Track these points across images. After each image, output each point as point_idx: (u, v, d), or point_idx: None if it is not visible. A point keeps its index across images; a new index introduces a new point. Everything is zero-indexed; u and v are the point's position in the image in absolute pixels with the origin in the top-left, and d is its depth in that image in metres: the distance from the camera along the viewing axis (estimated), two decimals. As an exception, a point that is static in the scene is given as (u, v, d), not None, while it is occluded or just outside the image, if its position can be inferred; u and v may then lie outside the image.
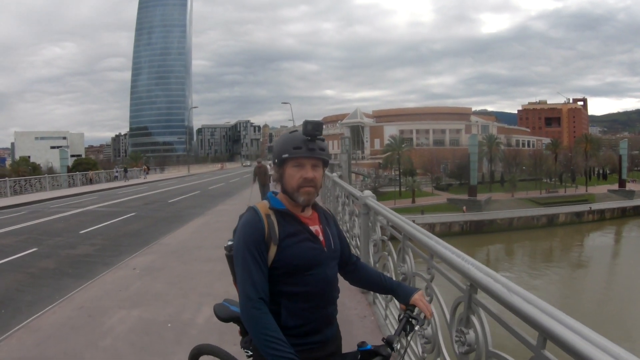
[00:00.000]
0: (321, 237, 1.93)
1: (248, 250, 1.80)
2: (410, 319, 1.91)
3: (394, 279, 3.80)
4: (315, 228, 1.94)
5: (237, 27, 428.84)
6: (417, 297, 1.98)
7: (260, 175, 17.04)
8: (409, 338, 2.00)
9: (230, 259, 2.02)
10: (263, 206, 1.92)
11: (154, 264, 8.38)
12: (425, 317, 2.00)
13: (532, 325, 1.56)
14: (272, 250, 1.82)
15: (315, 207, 2.02)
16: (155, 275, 7.52)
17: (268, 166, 17.12)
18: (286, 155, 1.86)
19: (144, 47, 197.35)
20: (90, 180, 40.89)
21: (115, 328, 5.09)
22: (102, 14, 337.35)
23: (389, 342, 1.79)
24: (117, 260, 9.02)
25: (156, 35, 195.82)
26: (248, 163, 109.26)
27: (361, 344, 1.83)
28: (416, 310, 1.95)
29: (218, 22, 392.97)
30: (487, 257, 40.15)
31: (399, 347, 1.97)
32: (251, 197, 17.04)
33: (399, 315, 1.98)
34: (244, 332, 2.08)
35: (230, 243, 2.03)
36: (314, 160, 1.88)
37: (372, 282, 2.18)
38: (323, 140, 1.90)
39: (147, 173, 54.36)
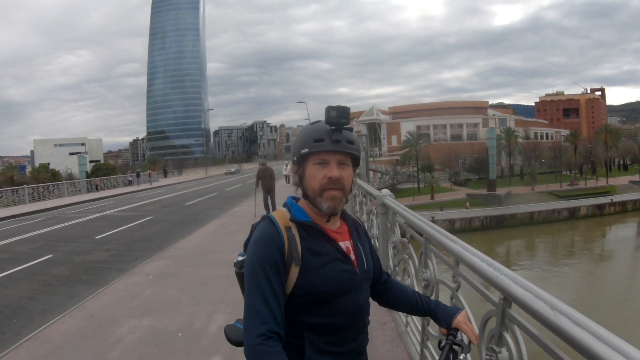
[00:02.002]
0: (353, 256, 1.60)
1: (263, 271, 1.44)
2: (453, 346, 1.60)
3: (415, 285, 3.55)
4: (345, 244, 1.60)
5: (249, 28, 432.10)
6: (461, 320, 1.66)
7: (265, 180, 14.50)
8: None
9: (240, 277, 1.63)
10: (282, 216, 1.57)
11: (168, 270, 8.25)
12: (470, 342, 1.66)
13: (581, 353, 1.28)
14: (294, 272, 1.48)
15: (344, 216, 1.69)
16: (168, 282, 7.39)
17: (285, 166, 16.69)
18: (306, 150, 1.54)
19: (159, 52, 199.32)
20: (96, 187, 40.21)
21: (125, 338, 4.94)
22: (115, 21, 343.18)
23: None
24: (131, 265, 8.94)
25: (170, 39, 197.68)
26: (232, 169, 75.89)
27: None
28: (459, 333, 1.64)
29: (230, 24, 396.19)
30: (508, 252, 39.61)
31: None
32: (256, 208, 14.83)
33: (440, 343, 1.64)
34: None
35: (241, 258, 1.68)
36: (341, 156, 1.53)
37: (406, 304, 1.81)
38: (351, 130, 1.58)
39: (152, 178, 51.74)
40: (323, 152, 1.52)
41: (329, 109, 1.51)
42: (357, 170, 1.65)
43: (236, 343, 1.65)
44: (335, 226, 1.62)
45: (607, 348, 1.19)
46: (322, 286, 1.48)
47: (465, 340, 1.65)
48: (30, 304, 7.17)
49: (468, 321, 1.67)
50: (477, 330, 1.86)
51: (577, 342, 1.27)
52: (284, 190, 25.93)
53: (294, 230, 1.52)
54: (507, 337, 1.81)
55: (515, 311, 1.79)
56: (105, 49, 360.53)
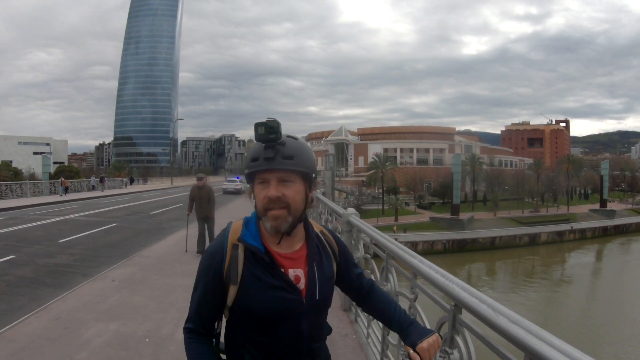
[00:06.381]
0: (302, 285, 1.56)
1: (201, 282, 1.59)
2: None
3: None
4: (296, 272, 1.56)
5: (223, 41, 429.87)
6: (425, 346, 1.56)
7: (202, 203, 10.85)
8: None
9: None
10: (236, 231, 1.59)
11: (134, 277, 8.28)
12: None
13: (518, 346, 1.54)
14: (232, 291, 1.52)
15: (309, 237, 1.62)
16: (135, 288, 7.44)
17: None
18: (246, 171, 1.53)
19: (132, 57, 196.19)
20: (66, 188, 38.33)
21: (92, 341, 5.02)
22: (90, 22, 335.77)
23: None
24: (96, 271, 8.89)
25: (144, 45, 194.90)
26: (233, 185, 43.58)
27: None
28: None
29: (204, 35, 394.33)
30: (469, 275, 40.31)
31: None
32: (187, 241, 11.15)
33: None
34: None
35: None
36: (281, 173, 1.48)
37: (382, 316, 1.78)
38: (293, 144, 1.52)
39: (104, 183, 48.95)
40: (261, 172, 1.49)
41: (257, 126, 1.47)
42: (319, 185, 1.67)
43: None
44: (289, 249, 1.59)
45: (537, 340, 1.46)
46: (260, 310, 1.50)
47: None
48: (-7, 303, 7.12)
49: (434, 349, 1.58)
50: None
51: (514, 338, 1.55)
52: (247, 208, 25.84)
53: (240, 250, 1.54)
54: (458, 339, 2.09)
55: (465, 317, 2.06)
56: (77, 49, 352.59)
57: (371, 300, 1.80)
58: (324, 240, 1.69)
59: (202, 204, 10.82)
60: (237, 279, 1.51)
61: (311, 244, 1.61)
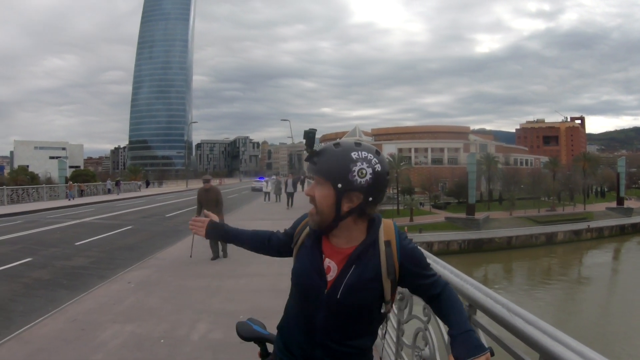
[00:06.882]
0: (331, 277, 1.60)
1: (292, 224, 1.90)
2: None
3: None
4: (330, 263, 1.62)
5: (235, 43, 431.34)
6: None
7: (209, 207, 9.82)
8: None
9: None
10: None
11: (149, 278, 8.31)
12: None
13: (533, 347, 1.51)
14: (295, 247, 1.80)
15: (365, 238, 1.62)
16: (150, 290, 7.45)
17: (266, 182, 14.17)
18: None
19: (146, 61, 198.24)
20: (82, 191, 39.86)
21: (108, 343, 5.02)
22: (104, 28, 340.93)
23: None
24: (112, 273, 8.94)
25: (158, 49, 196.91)
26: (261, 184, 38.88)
27: None
28: None
29: (216, 39, 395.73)
30: (486, 276, 39.96)
31: None
32: (193, 246, 9.77)
33: None
34: (264, 355, 1.92)
35: None
36: (314, 176, 1.59)
37: (444, 319, 1.64)
38: (324, 150, 1.59)
39: (119, 187, 48.91)
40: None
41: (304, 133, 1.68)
42: (368, 206, 1.58)
43: (246, 338, 1.92)
44: (345, 244, 1.63)
45: (552, 341, 1.42)
46: (294, 272, 1.71)
47: None
48: (10, 305, 7.19)
49: None
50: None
51: (529, 339, 1.51)
52: (261, 208, 26.00)
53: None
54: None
55: (479, 317, 2.01)
56: (91, 54, 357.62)
57: (436, 304, 1.68)
58: (382, 251, 1.61)
59: (209, 208, 9.70)
60: (297, 240, 1.77)
61: (361, 248, 1.61)
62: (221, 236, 2.04)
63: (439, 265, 2.52)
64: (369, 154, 1.55)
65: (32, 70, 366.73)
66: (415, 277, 1.65)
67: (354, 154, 1.53)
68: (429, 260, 1.69)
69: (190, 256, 9.76)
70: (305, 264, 1.67)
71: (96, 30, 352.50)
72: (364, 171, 1.52)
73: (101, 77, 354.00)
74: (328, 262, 1.62)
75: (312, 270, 1.63)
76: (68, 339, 5.14)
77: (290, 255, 1.86)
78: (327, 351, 1.61)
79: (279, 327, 1.77)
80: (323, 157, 1.58)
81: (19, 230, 15.82)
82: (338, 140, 1.62)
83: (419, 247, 1.69)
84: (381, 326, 4.42)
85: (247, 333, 1.93)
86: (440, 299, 1.66)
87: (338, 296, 1.57)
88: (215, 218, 2.07)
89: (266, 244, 1.99)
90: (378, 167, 1.54)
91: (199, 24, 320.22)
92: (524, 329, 1.56)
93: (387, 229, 1.64)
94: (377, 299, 1.61)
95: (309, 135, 1.66)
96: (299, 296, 1.69)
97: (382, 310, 1.66)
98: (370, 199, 1.56)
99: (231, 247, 10.02)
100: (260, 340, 1.92)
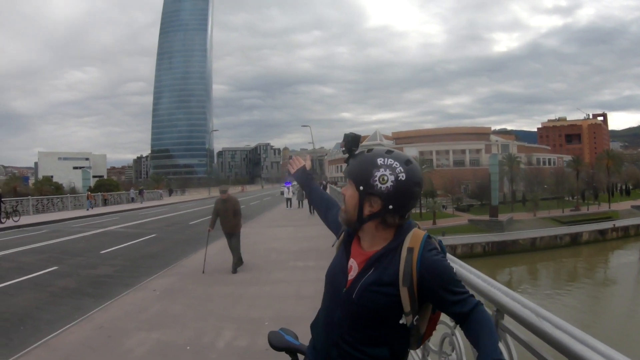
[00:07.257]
0: (351, 276, 1.61)
1: None
2: None
3: None
4: (353, 264, 1.63)
5: (253, 52, 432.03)
6: None
7: (227, 217, 10.07)
8: None
9: None
10: None
11: (174, 286, 8.36)
12: None
13: (562, 352, 1.48)
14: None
15: (389, 243, 1.61)
16: (175, 297, 7.49)
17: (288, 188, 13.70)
18: None
19: (165, 71, 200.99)
20: (105, 200, 40.73)
21: (134, 350, 5.04)
22: (123, 40, 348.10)
23: None
24: (137, 281, 9.02)
25: (177, 59, 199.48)
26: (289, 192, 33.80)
27: None
28: None
29: (234, 48, 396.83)
30: (510, 279, 39.41)
31: None
32: (206, 260, 9.85)
33: None
34: None
35: None
36: (349, 177, 1.65)
37: (473, 344, 1.49)
38: (357, 154, 1.67)
39: (143, 195, 49.46)
40: None
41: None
42: (387, 216, 1.57)
43: (278, 348, 1.92)
44: (365, 244, 1.65)
45: (582, 346, 1.38)
46: (328, 268, 1.76)
47: None
48: (37, 313, 7.27)
49: None
50: None
51: (558, 343, 1.47)
52: (283, 215, 25.93)
53: None
54: (501, 346, 1.96)
55: (507, 322, 1.96)
56: (112, 67, 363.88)
57: (464, 325, 1.54)
58: (403, 257, 1.55)
59: (227, 218, 10.04)
60: (339, 236, 1.80)
61: (382, 252, 1.60)
62: (303, 182, 2.29)
63: (464, 270, 2.46)
64: (396, 162, 1.56)
65: (54, 84, 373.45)
66: (436, 291, 1.53)
67: (380, 160, 1.57)
68: (457, 277, 1.58)
69: (203, 272, 9.45)
70: (335, 261, 1.74)
71: (116, 43, 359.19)
72: (385, 177, 1.54)
73: (122, 89, 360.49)
74: (352, 262, 1.65)
75: (338, 268, 1.69)
76: (94, 346, 5.18)
77: (332, 231, 2.04)
78: (341, 352, 1.60)
79: (311, 325, 1.81)
80: (355, 160, 1.66)
81: (44, 240, 16.04)
82: (374, 147, 1.66)
83: (446, 262, 1.57)
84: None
85: (279, 343, 1.93)
86: (469, 320, 1.53)
87: (353, 296, 1.57)
88: (309, 166, 2.34)
89: (324, 211, 2.17)
90: (402, 176, 1.55)
91: (217, 34, 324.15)
92: (553, 333, 1.52)
93: (414, 237, 1.58)
94: (393, 306, 1.54)
95: (347, 138, 1.78)
96: (325, 292, 1.74)
97: (401, 322, 1.56)
98: (391, 207, 1.55)
99: (249, 259, 10.09)
100: (291, 351, 1.91)
